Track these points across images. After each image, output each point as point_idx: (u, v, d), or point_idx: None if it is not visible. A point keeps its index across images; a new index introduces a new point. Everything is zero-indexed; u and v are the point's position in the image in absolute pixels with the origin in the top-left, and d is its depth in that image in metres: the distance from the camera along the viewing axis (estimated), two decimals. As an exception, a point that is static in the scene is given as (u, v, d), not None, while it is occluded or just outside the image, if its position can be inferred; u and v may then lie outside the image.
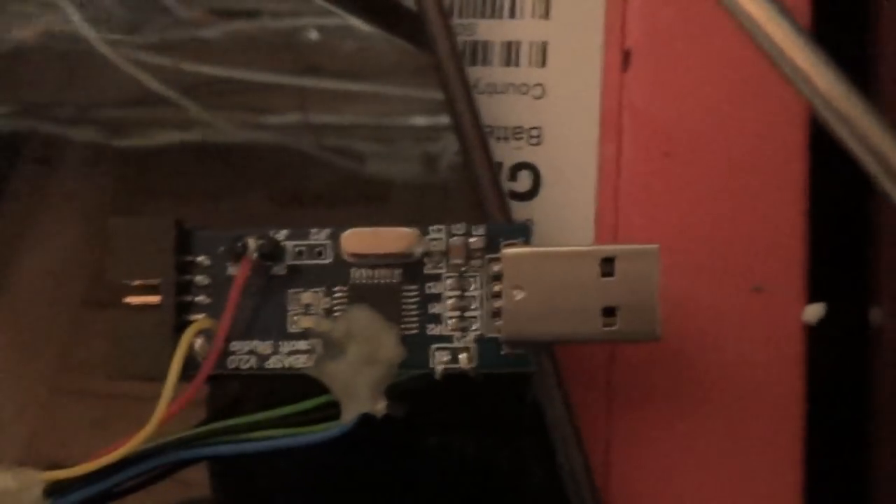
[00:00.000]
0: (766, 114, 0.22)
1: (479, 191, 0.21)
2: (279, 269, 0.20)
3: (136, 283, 0.20)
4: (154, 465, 0.20)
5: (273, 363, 0.20)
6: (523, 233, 0.20)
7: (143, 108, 0.23)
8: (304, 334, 0.20)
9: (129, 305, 0.20)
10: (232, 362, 0.20)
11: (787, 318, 0.22)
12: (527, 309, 0.20)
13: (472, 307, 0.20)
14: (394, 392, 0.20)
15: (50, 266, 0.22)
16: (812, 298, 0.22)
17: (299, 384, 0.20)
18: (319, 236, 0.20)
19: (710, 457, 0.22)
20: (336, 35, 0.23)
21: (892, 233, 0.23)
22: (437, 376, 0.20)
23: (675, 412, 0.22)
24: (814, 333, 0.22)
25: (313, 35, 0.23)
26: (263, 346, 0.20)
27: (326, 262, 0.20)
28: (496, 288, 0.20)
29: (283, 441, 0.19)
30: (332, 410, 0.20)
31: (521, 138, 0.23)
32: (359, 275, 0.20)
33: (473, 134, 0.22)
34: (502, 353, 0.20)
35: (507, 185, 0.23)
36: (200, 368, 0.20)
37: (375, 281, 0.20)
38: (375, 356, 0.19)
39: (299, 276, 0.20)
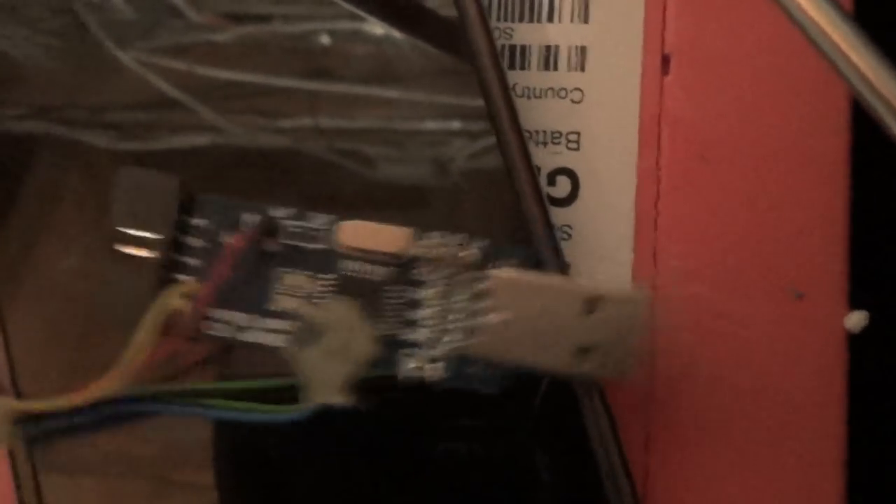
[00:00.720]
0: (806, 118, 0.22)
1: (520, 197, 0.21)
2: (272, 247, 0.21)
3: (134, 233, 0.21)
4: (112, 411, 0.20)
5: (248, 336, 0.20)
6: (522, 255, 0.20)
7: (156, 112, 0.23)
8: (284, 314, 0.20)
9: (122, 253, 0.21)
10: (208, 327, 0.20)
11: (829, 325, 0.22)
12: (504, 332, 0.19)
13: (450, 319, 0.20)
14: (363, 388, 0.20)
15: (62, 269, 0.23)
16: (854, 306, 0.22)
17: (279, 362, 0.20)
18: (318, 221, 0.20)
19: (750, 465, 0.21)
20: (348, 39, 0.23)
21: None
22: (399, 380, 0.20)
23: (716, 419, 0.22)
24: (856, 342, 0.22)
25: (325, 39, 0.23)
26: (241, 318, 0.20)
27: (319, 247, 0.20)
28: (479, 305, 0.20)
29: (234, 414, 0.20)
30: (295, 393, 0.20)
31: (559, 143, 0.22)
32: (349, 266, 0.20)
33: (514, 140, 0.21)
34: (469, 370, 0.20)
35: (546, 191, 0.22)
36: (176, 329, 0.20)
37: (363, 275, 0.20)
38: (347, 350, 0.19)
39: (291, 258, 0.21)
